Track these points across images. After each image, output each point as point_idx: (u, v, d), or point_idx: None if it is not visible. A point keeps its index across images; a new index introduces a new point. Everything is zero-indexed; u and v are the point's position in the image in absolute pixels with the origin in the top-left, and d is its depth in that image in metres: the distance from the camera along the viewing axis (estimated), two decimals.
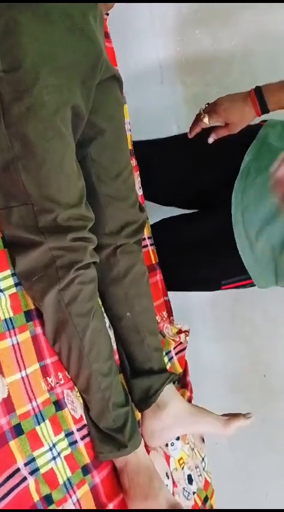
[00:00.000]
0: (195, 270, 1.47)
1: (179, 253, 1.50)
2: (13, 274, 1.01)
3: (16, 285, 1.02)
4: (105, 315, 1.20)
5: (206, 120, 1.30)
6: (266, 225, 1.30)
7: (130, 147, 1.37)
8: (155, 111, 1.87)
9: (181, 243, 1.49)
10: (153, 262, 1.45)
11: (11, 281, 1.01)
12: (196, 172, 1.47)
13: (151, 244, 1.46)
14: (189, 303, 1.58)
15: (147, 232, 1.43)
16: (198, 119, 1.33)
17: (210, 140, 1.33)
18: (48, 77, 0.94)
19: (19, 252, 1.00)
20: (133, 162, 1.40)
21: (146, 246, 1.42)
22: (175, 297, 1.48)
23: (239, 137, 1.34)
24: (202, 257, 1.45)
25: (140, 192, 1.42)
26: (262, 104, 1.26)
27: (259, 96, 1.26)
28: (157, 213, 1.58)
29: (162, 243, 1.48)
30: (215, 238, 1.40)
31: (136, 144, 1.43)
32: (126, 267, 1.20)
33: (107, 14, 1.34)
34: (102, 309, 1.19)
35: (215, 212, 1.44)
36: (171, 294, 1.47)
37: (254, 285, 1.43)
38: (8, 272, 1.00)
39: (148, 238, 1.45)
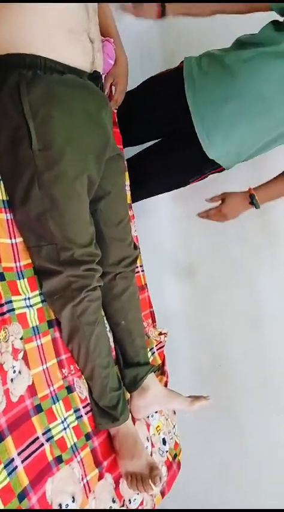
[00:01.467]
0: (166, 175, 1.41)
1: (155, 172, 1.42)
2: (40, 294, 0.99)
3: (42, 301, 1.00)
4: (106, 322, 1.18)
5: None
6: (227, 135, 1.25)
7: (129, 201, 1.35)
8: None
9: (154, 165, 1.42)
10: (143, 283, 1.42)
11: (38, 299, 0.99)
12: (157, 114, 1.36)
13: (142, 270, 1.43)
14: (167, 314, 1.56)
15: (139, 262, 1.40)
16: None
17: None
18: (71, 154, 0.93)
19: (45, 278, 0.98)
20: (131, 212, 1.38)
21: (138, 272, 1.40)
22: (158, 309, 1.45)
23: (173, 81, 1.30)
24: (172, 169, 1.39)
25: (135, 234, 1.40)
26: (163, 9, 1.25)
27: (162, 5, 1.25)
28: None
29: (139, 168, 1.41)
30: (180, 144, 1.34)
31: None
32: (123, 288, 1.17)
33: (116, 109, 1.33)
34: (104, 318, 1.17)
35: (179, 135, 1.36)
36: (154, 306, 1.44)
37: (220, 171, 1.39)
38: (37, 292, 0.99)
39: (140, 266, 1.42)
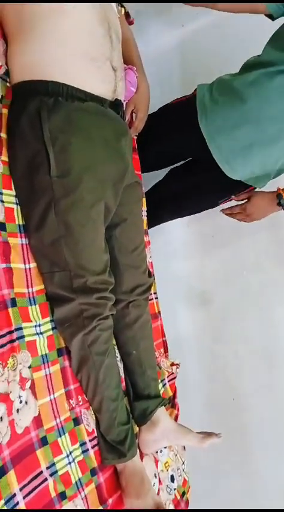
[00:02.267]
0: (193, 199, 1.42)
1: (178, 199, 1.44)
2: (51, 321, 0.98)
3: (53, 328, 0.98)
4: (117, 351, 1.15)
5: None
6: (246, 158, 1.25)
7: (145, 227, 1.34)
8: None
9: (177, 191, 1.43)
10: (156, 311, 1.40)
11: (49, 326, 0.97)
12: (174, 141, 1.37)
13: (155, 298, 1.41)
14: (180, 342, 1.53)
15: (153, 289, 1.38)
16: None
17: None
18: (89, 182, 0.93)
19: (57, 305, 0.97)
20: (147, 238, 1.37)
21: (151, 299, 1.37)
22: (170, 337, 1.42)
23: (187, 109, 1.30)
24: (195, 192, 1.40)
25: (150, 260, 1.38)
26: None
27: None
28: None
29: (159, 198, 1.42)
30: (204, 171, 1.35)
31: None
32: (136, 317, 1.15)
33: (136, 135, 1.34)
34: (116, 347, 1.14)
35: (197, 161, 1.38)
36: (166, 334, 1.41)
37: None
38: (48, 319, 0.97)
39: (154, 293, 1.40)
